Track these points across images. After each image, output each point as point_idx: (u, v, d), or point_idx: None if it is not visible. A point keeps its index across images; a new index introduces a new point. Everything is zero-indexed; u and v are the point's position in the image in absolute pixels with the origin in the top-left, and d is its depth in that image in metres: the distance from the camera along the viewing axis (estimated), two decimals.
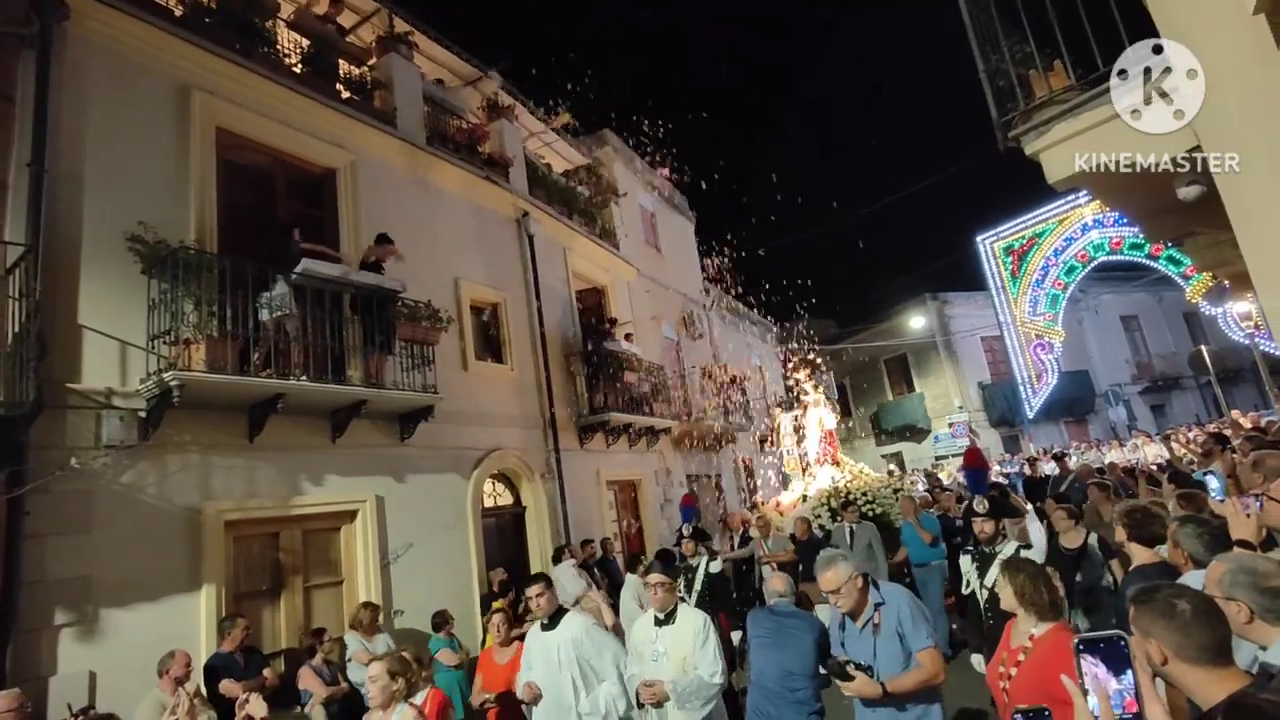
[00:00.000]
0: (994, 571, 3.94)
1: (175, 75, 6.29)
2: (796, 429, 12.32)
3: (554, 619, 4.02)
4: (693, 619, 3.87)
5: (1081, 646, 1.25)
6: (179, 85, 6.30)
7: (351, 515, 6.85)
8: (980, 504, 4.42)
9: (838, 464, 11.31)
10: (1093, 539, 4.80)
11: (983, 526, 4.40)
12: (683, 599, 5.24)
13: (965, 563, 4.42)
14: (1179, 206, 4.53)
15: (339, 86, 8.16)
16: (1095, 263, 21.90)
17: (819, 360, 17.89)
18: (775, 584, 3.92)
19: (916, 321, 25.55)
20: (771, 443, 12.41)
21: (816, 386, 12.28)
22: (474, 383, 8.71)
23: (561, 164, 13.19)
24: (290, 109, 7.22)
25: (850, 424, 28.21)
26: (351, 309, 6.71)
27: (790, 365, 14.02)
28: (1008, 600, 2.74)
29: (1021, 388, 23.10)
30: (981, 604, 4.20)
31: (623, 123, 13.89)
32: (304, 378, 6.03)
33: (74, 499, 4.91)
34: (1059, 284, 22.94)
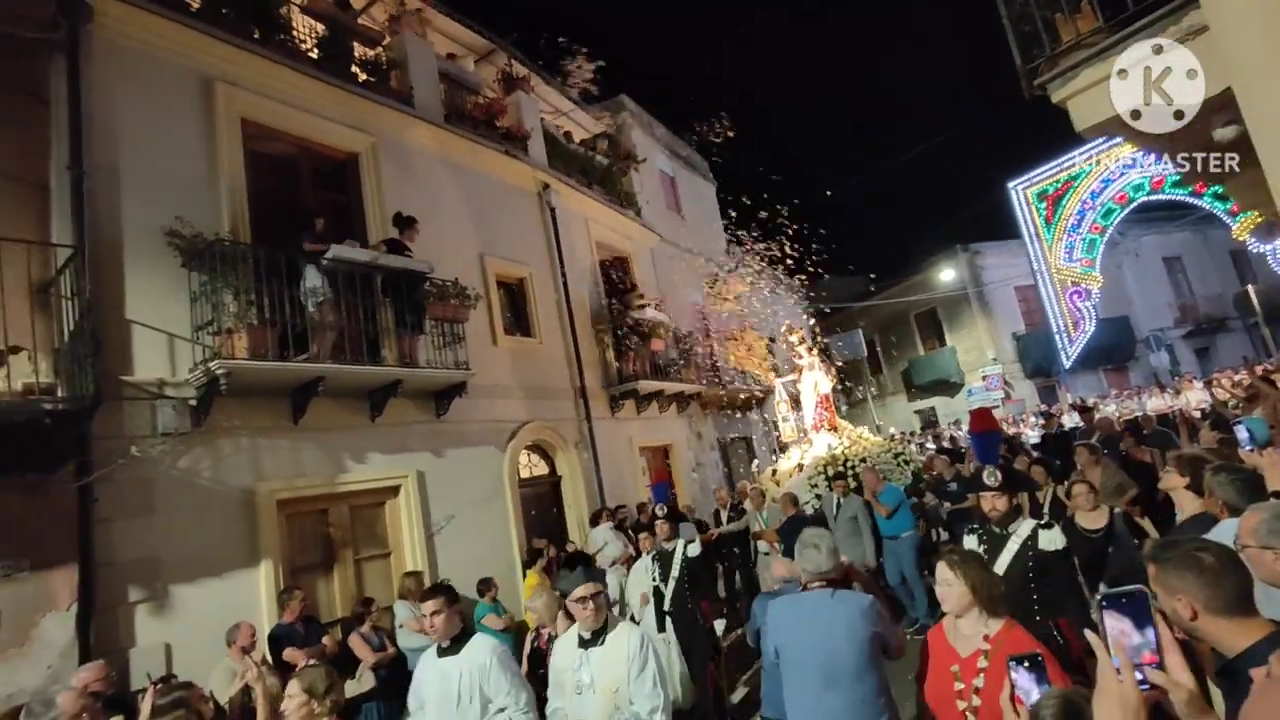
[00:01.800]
0: (1006, 556, 3.52)
1: (198, 69, 6.40)
2: (791, 395, 11.63)
3: (457, 641, 3.30)
4: (626, 640, 3.20)
5: (1105, 603, 1.26)
6: (202, 79, 6.41)
7: (395, 490, 7.12)
8: (991, 475, 3.62)
9: (835, 429, 10.60)
10: (1118, 517, 4.38)
11: (994, 503, 3.63)
12: (630, 618, 5.00)
13: (970, 543, 3.68)
14: (1216, 147, 4.40)
15: (355, 69, 8.21)
16: (1135, 204, 21.11)
17: (811, 320, 17.01)
18: (779, 570, 3.96)
19: (947, 274, 25.01)
20: (792, 406, 11.72)
21: (811, 349, 11.45)
22: (504, 357, 8.87)
23: (580, 133, 13.10)
24: (310, 95, 7.30)
25: (881, 380, 27.98)
26: (382, 292, 6.87)
27: (784, 329, 12.95)
28: (956, 599, 2.45)
29: (1057, 337, 22.55)
30: None
31: (639, 87, 13.59)
32: (341, 360, 6.23)
33: (136, 485, 5.21)
34: (1096, 228, 22.18)
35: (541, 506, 9.15)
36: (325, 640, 5.38)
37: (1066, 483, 5.24)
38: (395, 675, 5.43)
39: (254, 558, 5.76)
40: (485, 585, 6.60)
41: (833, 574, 3.02)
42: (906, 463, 10.05)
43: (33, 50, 5.46)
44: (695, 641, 5.24)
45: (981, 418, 4.17)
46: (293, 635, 5.17)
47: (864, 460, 9.14)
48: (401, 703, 5.04)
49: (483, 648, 3.25)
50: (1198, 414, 11.57)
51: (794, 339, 11.57)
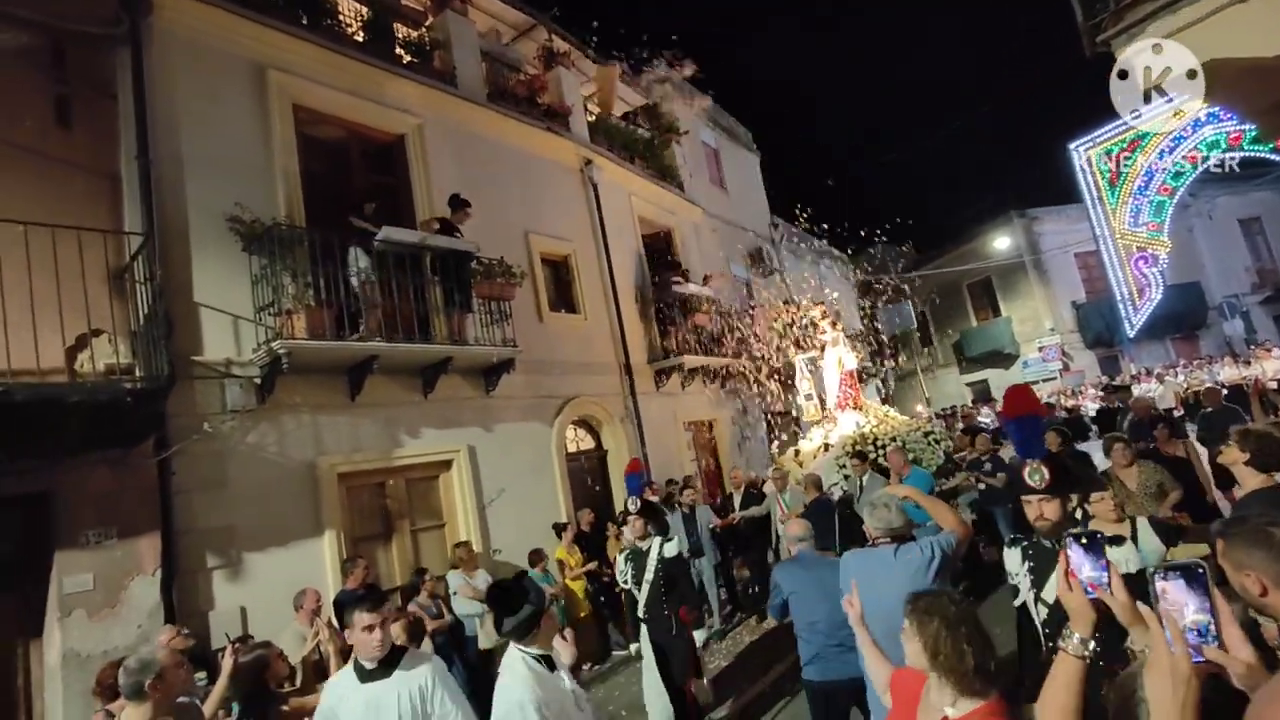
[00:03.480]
0: (1055, 578, 2.63)
1: (250, 57, 6.59)
2: (813, 372, 10.98)
3: (389, 661, 2.80)
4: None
5: (1159, 574, 1.26)
6: (255, 66, 6.60)
7: (447, 464, 7.36)
8: (1035, 473, 2.74)
9: (860, 408, 10.13)
10: (1143, 528, 3.32)
11: (1041, 509, 2.77)
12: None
13: (1013, 560, 2.95)
14: None
15: (399, 51, 8.31)
16: (1207, 164, 19.84)
17: (831, 296, 15.51)
18: (793, 529, 3.93)
19: (1001, 242, 24.08)
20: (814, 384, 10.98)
21: (834, 324, 10.80)
22: (550, 333, 9.00)
23: (620, 106, 13.00)
24: (357, 79, 7.44)
25: (931, 352, 27.29)
26: (431, 271, 7.03)
27: (804, 302, 12.17)
28: (912, 658, 2.00)
29: (1121, 305, 21.58)
30: (1039, 626, 2.79)
31: (682, 55, 13.27)
32: (394, 338, 6.43)
33: (209, 459, 5.53)
34: (1165, 189, 20.99)
35: (588, 480, 9.32)
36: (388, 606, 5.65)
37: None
38: (452, 642, 5.68)
39: (318, 528, 6.06)
40: (537, 556, 6.82)
41: (903, 530, 3.19)
42: (937, 441, 9.49)
43: (98, 45, 5.72)
44: (672, 653, 4.79)
45: (1018, 397, 3.13)
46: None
47: (894, 439, 8.67)
48: (457, 668, 5.30)
49: (419, 665, 2.86)
50: (1275, 385, 10.89)
51: (815, 313, 11.04)
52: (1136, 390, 12.87)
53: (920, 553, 3.09)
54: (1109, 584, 1.59)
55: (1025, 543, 2.92)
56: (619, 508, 9.09)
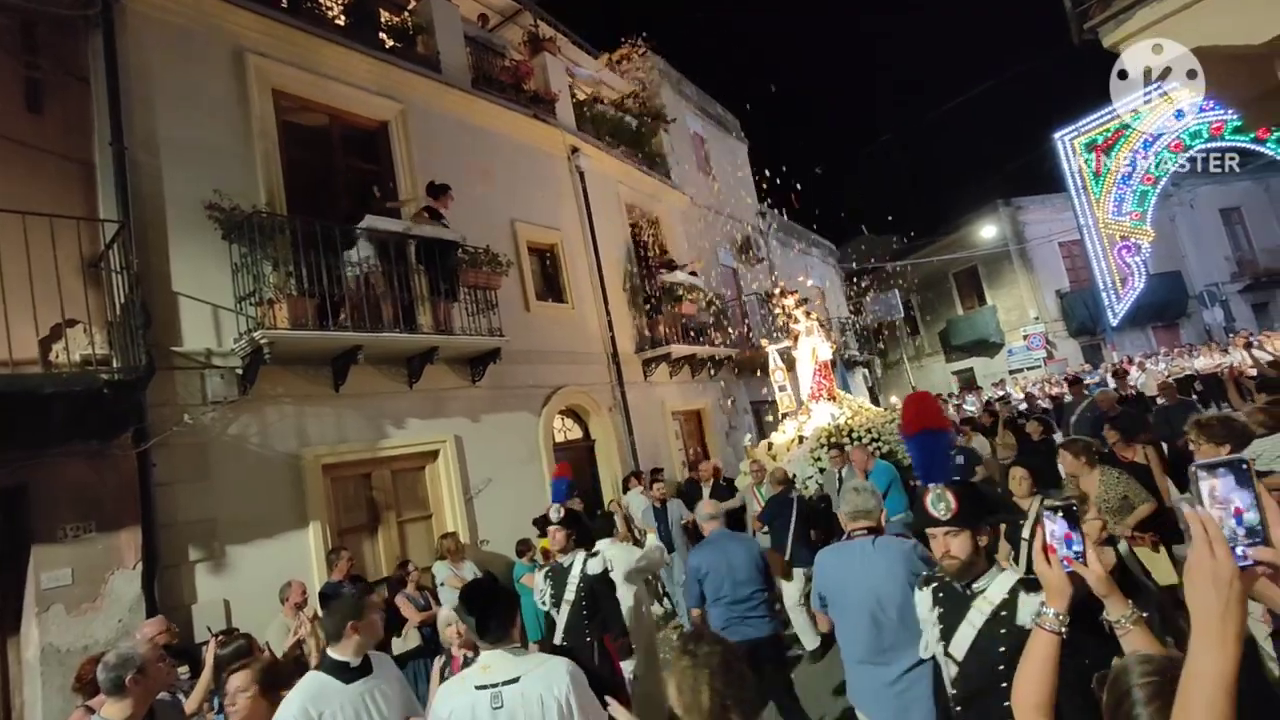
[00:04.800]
0: (968, 632, 2.25)
1: (228, 41, 6.44)
2: (787, 363, 10.68)
3: (360, 667, 2.66)
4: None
5: (1201, 472, 1.17)
6: (233, 50, 6.46)
7: (434, 455, 7.31)
8: (940, 500, 2.29)
9: (835, 399, 9.79)
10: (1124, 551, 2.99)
11: (948, 544, 2.30)
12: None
13: (923, 603, 2.45)
14: None
15: (382, 35, 8.17)
16: (1191, 152, 20.03)
17: (805, 284, 14.97)
18: (704, 509, 4.35)
19: (987, 231, 24.24)
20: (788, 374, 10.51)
21: (809, 313, 10.40)
22: (537, 323, 8.95)
23: (608, 93, 12.89)
24: (338, 64, 7.30)
25: (918, 342, 27.49)
26: (416, 260, 6.95)
27: (777, 290, 11.76)
28: (671, 695, 1.82)
29: (1104, 294, 21.80)
30: (948, 684, 2.33)
31: (668, 42, 13.22)
32: (378, 328, 6.36)
33: (191, 451, 5.45)
34: (1149, 179, 21.18)
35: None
36: (373, 598, 5.60)
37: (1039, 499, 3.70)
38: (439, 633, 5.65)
39: (303, 519, 6.00)
40: (524, 546, 6.79)
41: (876, 515, 3.19)
42: None
43: (70, 28, 5.57)
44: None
45: (919, 409, 2.63)
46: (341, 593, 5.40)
47: (869, 431, 8.54)
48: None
49: (383, 672, 2.75)
50: (1254, 373, 11.03)
51: (789, 302, 10.67)
52: (1132, 378, 12.34)
53: (900, 542, 3.11)
54: (1083, 556, 1.61)
55: (935, 581, 2.43)
56: (609, 497, 9.10)
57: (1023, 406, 14.92)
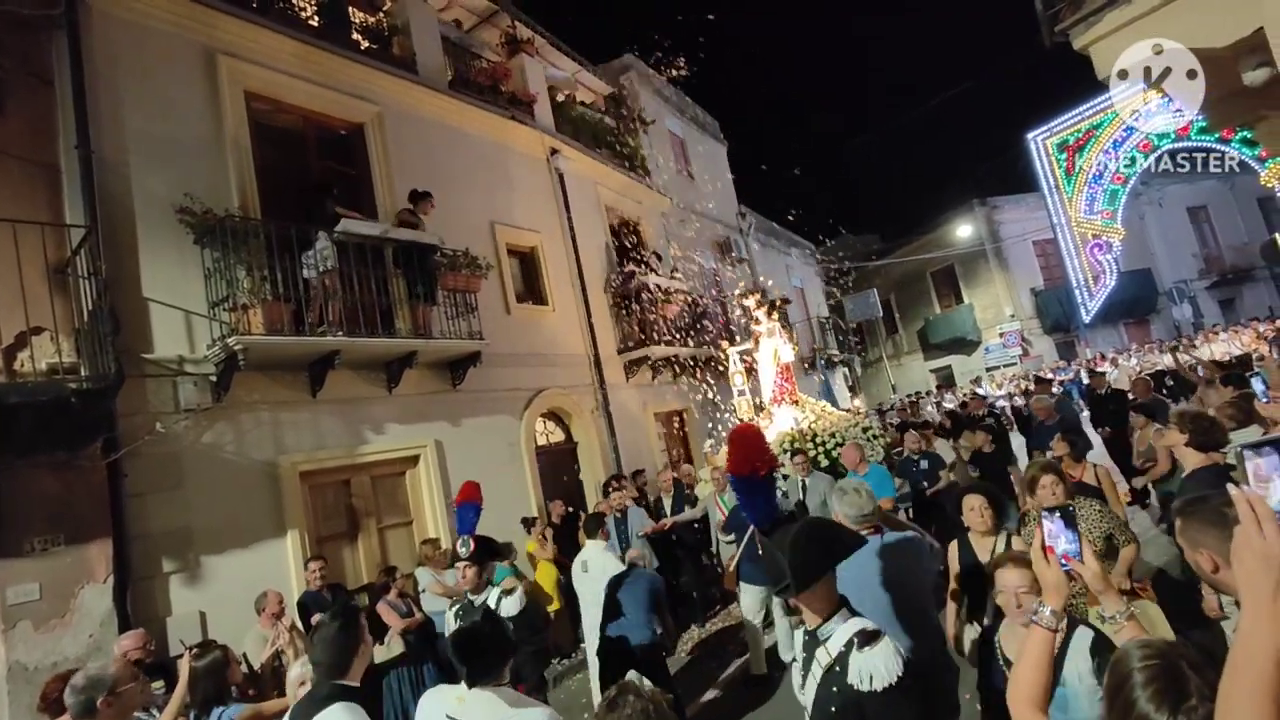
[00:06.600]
0: (812, 678, 2.10)
1: (199, 41, 6.32)
2: (748, 366, 10.11)
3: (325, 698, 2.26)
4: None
5: (1248, 451, 1.16)
6: (204, 52, 6.34)
7: (414, 460, 7.23)
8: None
9: (797, 402, 9.29)
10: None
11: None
12: None
13: (792, 643, 2.27)
14: (1245, 91, 4.24)
15: (356, 36, 8.07)
16: (1159, 152, 20.49)
17: (767, 285, 14.86)
18: (633, 554, 4.84)
19: (964, 230, 24.59)
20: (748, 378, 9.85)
21: (770, 314, 9.78)
22: (517, 326, 8.89)
23: (587, 95, 12.87)
24: (312, 65, 7.20)
25: (896, 340, 27.79)
26: (394, 263, 6.87)
27: (738, 291, 11.44)
28: None
29: (1077, 291, 22.24)
30: None
31: (645, 45, 13.21)
32: (356, 333, 6.26)
33: (163, 460, 5.33)
34: (1119, 178, 21.65)
35: (559, 473, 9.25)
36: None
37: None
38: (423, 640, 5.58)
39: (280, 528, 5.89)
40: (506, 549, 6.73)
41: (874, 518, 3.08)
42: (875, 438, 8.65)
43: (33, 28, 5.42)
44: None
45: (745, 447, 2.57)
46: (320, 602, 5.32)
47: (833, 435, 8.09)
48: (429, 666, 5.22)
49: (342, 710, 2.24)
50: (1213, 366, 11.26)
51: (750, 303, 10.23)
52: (1110, 375, 12.13)
53: (903, 541, 3.04)
54: (1080, 554, 1.68)
55: (802, 623, 2.18)
56: (591, 499, 9.06)
57: (1001, 404, 15.12)
